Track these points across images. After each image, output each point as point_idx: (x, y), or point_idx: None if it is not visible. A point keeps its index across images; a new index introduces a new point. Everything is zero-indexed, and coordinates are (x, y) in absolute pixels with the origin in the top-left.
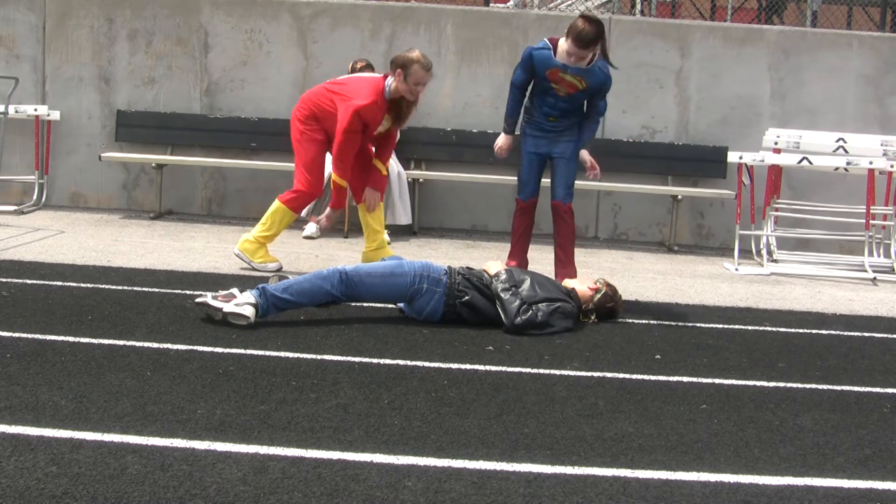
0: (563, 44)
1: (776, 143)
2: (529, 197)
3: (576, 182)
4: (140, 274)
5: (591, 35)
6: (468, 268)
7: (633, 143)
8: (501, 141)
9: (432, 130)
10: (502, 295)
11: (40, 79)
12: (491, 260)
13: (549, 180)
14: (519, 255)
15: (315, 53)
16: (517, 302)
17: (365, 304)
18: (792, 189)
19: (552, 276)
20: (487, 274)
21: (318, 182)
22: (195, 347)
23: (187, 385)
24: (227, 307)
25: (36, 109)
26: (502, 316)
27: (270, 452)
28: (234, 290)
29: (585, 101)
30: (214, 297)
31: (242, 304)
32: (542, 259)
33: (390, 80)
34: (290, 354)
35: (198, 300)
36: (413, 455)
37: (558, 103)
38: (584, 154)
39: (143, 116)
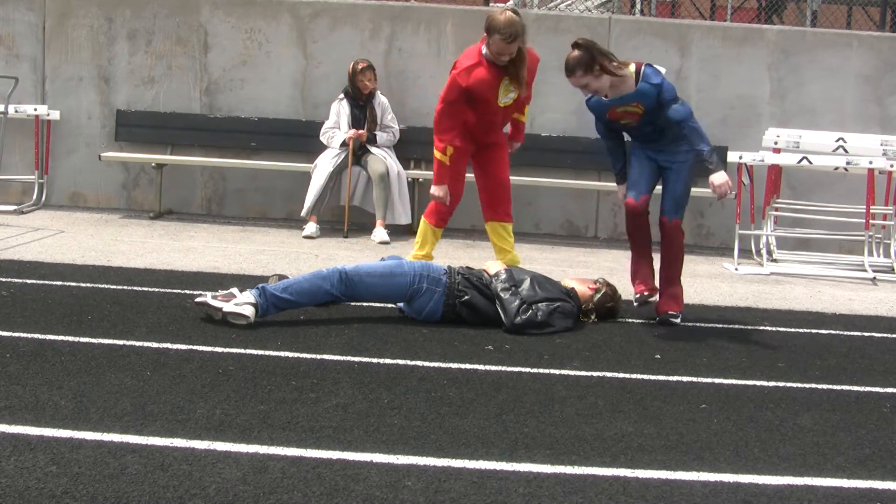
0: None
1: (776, 143)
2: (641, 194)
3: (654, 192)
4: (140, 274)
5: (570, 64)
6: (468, 267)
7: None
8: (620, 191)
9: (432, 130)
10: (502, 294)
11: (40, 78)
12: (490, 259)
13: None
14: (643, 277)
15: (314, 53)
16: (517, 302)
17: (364, 304)
18: (792, 189)
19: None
20: (487, 273)
21: (454, 190)
22: (195, 347)
23: (187, 385)
24: (227, 307)
25: (36, 109)
26: (502, 316)
27: (270, 452)
28: (234, 290)
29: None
30: (214, 297)
31: (242, 303)
32: (542, 259)
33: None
34: (290, 354)
35: (197, 300)
36: (413, 455)
37: (640, 131)
38: (712, 177)
39: (143, 116)
